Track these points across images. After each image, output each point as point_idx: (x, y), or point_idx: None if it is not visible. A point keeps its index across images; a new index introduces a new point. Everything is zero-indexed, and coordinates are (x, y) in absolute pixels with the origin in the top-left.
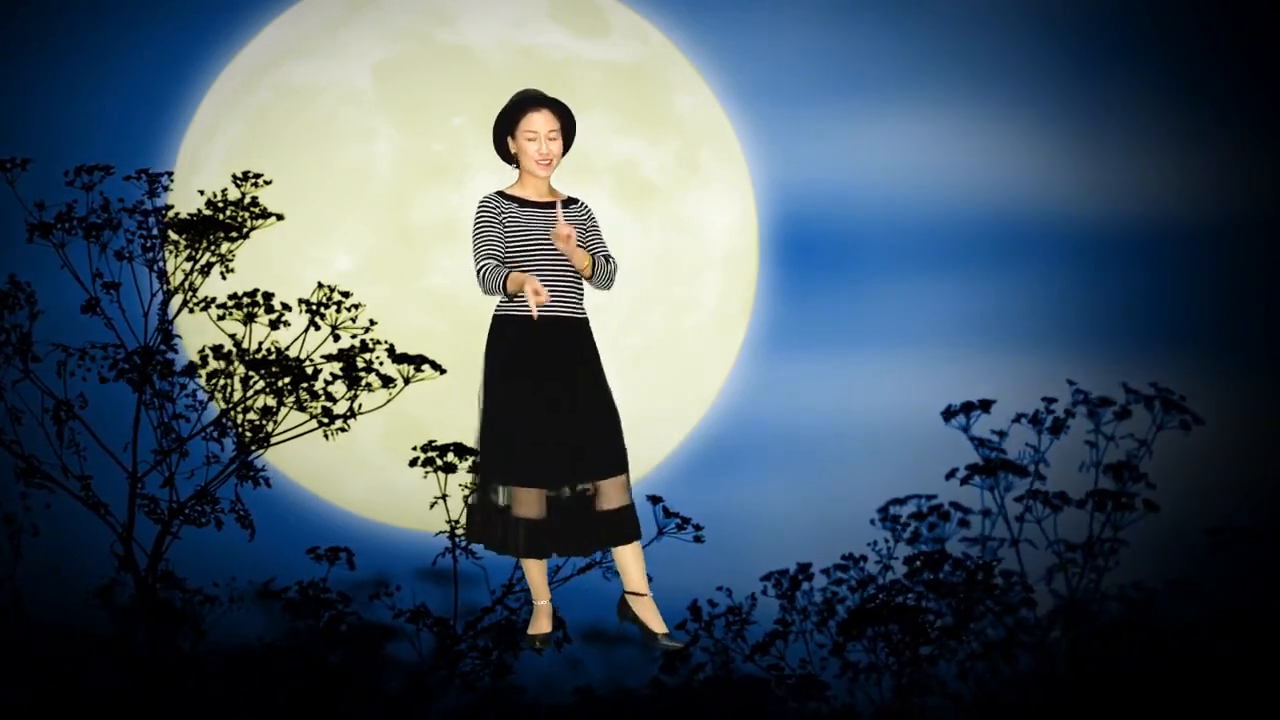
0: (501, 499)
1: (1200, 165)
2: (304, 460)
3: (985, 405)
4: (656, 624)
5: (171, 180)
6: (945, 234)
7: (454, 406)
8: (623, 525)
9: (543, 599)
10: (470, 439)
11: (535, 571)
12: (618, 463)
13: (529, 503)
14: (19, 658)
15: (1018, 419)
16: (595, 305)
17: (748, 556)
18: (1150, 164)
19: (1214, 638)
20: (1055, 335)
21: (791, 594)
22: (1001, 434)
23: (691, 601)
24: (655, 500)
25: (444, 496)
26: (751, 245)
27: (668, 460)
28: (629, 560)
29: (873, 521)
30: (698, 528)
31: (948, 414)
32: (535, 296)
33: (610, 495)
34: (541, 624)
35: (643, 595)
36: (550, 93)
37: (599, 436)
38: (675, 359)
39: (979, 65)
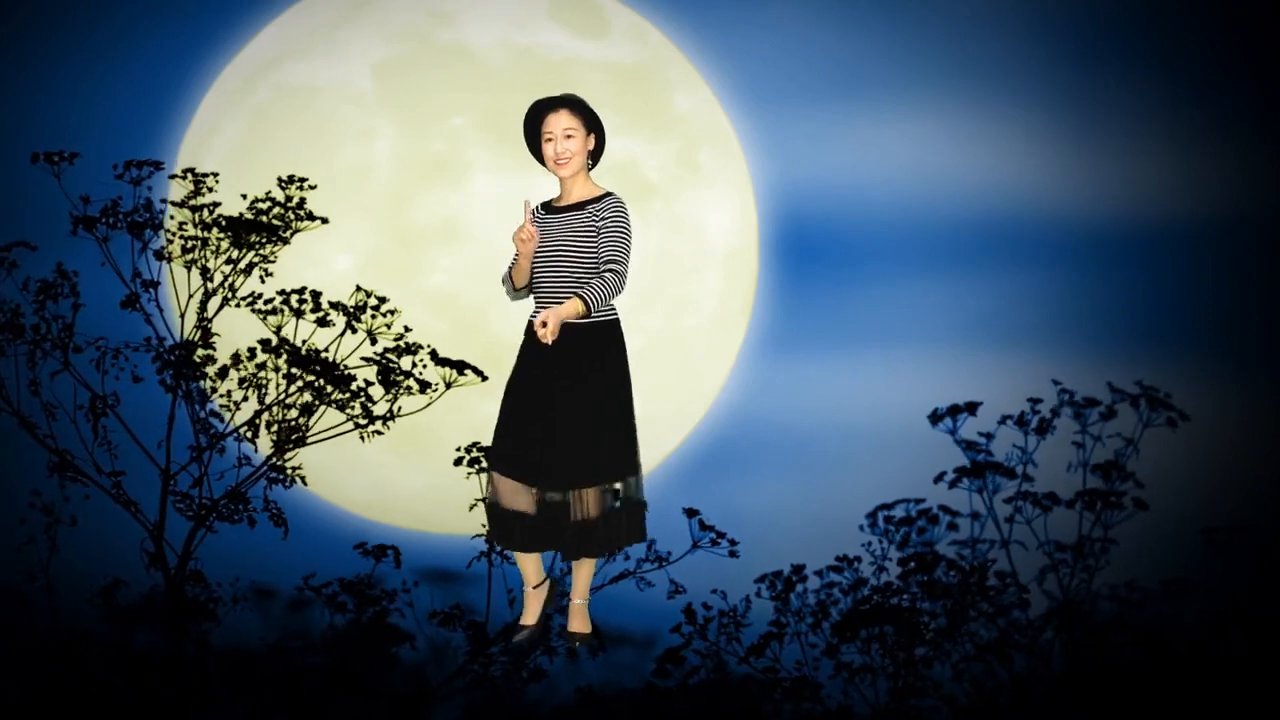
0: (496, 489)
1: (1200, 165)
2: (307, 461)
3: (971, 408)
4: (579, 625)
5: (217, 180)
6: (945, 234)
7: (457, 408)
8: (581, 540)
9: (532, 584)
10: (471, 440)
11: (528, 565)
12: (586, 476)
13: (515, 497)
14: (43, 654)
15: (1003, 421)
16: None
17: (748, 557)
18: (1150, 164)
19: (1209, 637)
20: (1056, 335)
21: (785, 595)
22: (989, 436)
23: (686, 605)
24: (691, 513)
25: (484, 499)
26: (751, 245)
27: (668, 460)
28: (579, 570)
29: (861, 527)
30: (733, 542)
31: (934, 418)
32: (523, 244)
33: (575, 507)
34: (531, 612)
35: (577, 602)
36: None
37: (574, 447)
38: (675, 359)
39: (979, 65)
